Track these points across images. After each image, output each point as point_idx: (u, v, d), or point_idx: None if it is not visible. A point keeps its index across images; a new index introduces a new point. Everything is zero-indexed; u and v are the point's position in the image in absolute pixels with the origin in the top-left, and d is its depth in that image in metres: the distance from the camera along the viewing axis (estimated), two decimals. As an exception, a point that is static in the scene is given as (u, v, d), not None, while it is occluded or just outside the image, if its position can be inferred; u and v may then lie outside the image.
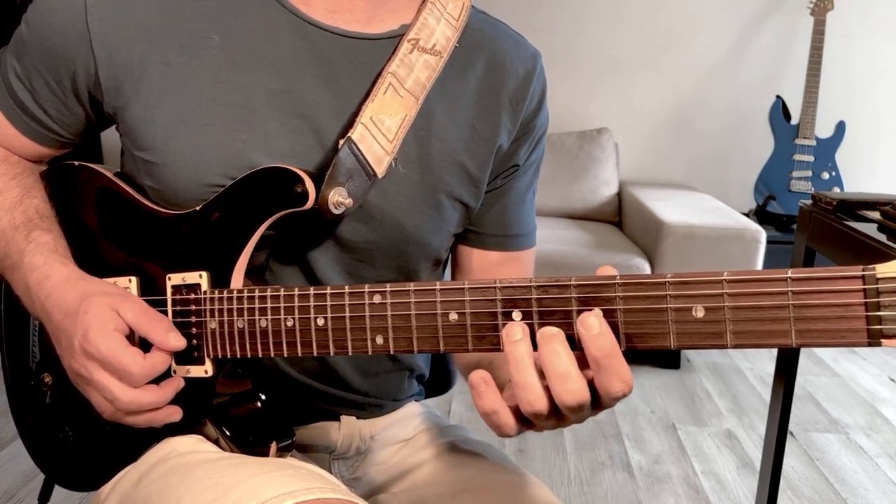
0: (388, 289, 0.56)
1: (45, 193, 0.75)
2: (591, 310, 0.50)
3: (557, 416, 0.53)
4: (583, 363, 0.51)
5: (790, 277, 0.43)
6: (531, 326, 0.52)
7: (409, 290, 0.55)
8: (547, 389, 0.51)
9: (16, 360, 0.80)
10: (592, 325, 0.49)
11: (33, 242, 0.69)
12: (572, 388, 0.50)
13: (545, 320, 0.51)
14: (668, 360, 2.71)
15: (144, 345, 0.63)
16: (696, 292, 0.46)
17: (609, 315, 0.49)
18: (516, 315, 0.52)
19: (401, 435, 0.84)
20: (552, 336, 0.50)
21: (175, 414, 0.65)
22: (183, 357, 0.66)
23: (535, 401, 0.51)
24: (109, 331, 0.61)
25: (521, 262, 0.83)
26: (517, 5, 3.27)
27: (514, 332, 0.51)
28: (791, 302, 0.43)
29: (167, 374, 0.65)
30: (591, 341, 0.49)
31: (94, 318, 0.61)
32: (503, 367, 0.65)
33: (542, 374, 0.51)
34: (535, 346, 0.52)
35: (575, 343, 0.51)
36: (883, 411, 2.42)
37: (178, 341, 0.63)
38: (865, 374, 2.73)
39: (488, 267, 0.82)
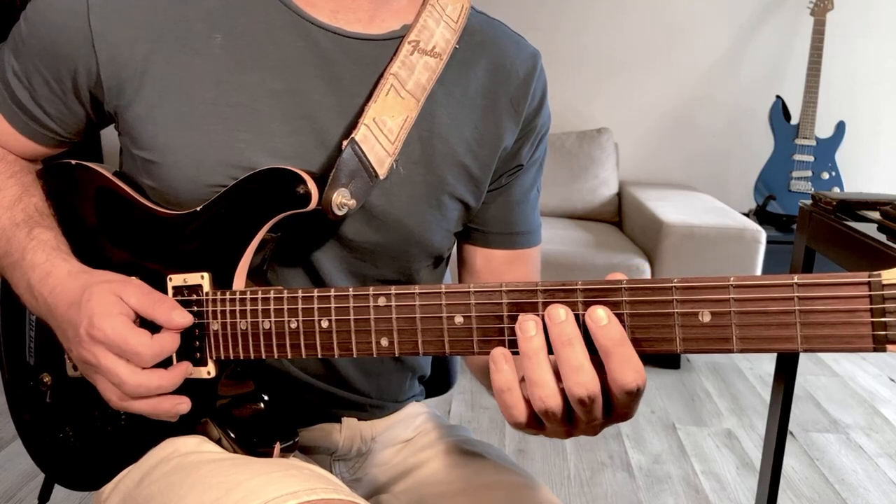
0: (392, 291, 0.56)
1: (42, 192, 0.75)
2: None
3: (569, 419, 0.53)
4: (597, 365, 0.50)
5: (796, 283, 0.44)
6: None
7: (414, 293, 0.55)
8: (562, 391, 0.51)
9: (13, 360, 0.79)
10: (601, 316, 0.49)
11: (35, 240, 0.69)
12: (584, 381, 0.49)
13: None
14: (668, 360, 2.71)
15: (151, 330, 0.63)
16: (702, 297, 0.46)
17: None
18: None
19: (402, 435, 0.84)
20: (569, 328, 0.50)
21: (183, 404, 0.64)
22: (185, 358, 0.66)
23: (548, 398, 0.51)
24: (115, 314, 0.61)
25: (528, 260, 0.83)
26: (517, 6, 3.27)
27: (529, 327, 0.51)
28: (797, 307, 0.44)
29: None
30: (600, 331, 0.49)
31: (97, 304, 0.61)
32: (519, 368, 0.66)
33: (557, 376, 0.51)
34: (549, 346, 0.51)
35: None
36: (883, 411, 2.42)
37: (183, 318, 0.63)
38: (865, 374, 2.73)
39: (496, 266, 0.82)
